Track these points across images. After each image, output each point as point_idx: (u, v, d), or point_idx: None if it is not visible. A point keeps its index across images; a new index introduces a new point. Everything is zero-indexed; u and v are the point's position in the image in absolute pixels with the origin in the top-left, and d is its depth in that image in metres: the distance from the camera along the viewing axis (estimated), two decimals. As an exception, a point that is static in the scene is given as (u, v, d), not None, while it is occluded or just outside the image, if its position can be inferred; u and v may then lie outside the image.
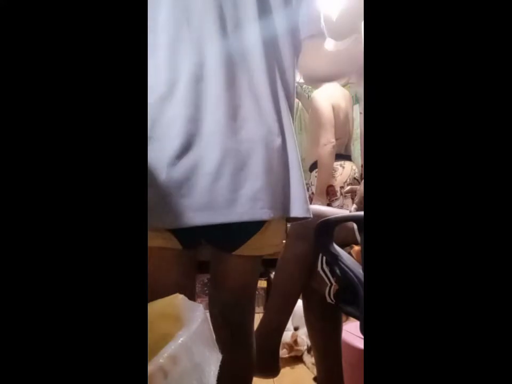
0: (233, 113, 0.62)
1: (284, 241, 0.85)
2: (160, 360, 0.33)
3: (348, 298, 0.89)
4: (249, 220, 0.61)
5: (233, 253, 0.69)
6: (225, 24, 0.64)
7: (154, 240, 0.63)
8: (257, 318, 1.03)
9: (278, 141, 0.64)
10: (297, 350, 1.50)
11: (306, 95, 2.34)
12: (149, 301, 0.41)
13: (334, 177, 1.97)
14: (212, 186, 0.60)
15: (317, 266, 0.96)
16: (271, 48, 0.67)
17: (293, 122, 0.71)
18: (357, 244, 0.93)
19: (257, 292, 2.06)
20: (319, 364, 1.09)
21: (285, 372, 1.43)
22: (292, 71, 0.71)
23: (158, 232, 0.63)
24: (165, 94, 0.61)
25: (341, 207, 1.93)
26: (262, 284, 2.10)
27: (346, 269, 0.79)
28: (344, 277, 0.87)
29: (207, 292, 1.90)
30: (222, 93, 0.62)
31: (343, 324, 1.08)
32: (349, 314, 1.02)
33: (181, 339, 0.37)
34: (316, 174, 1.97)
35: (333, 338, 1.04)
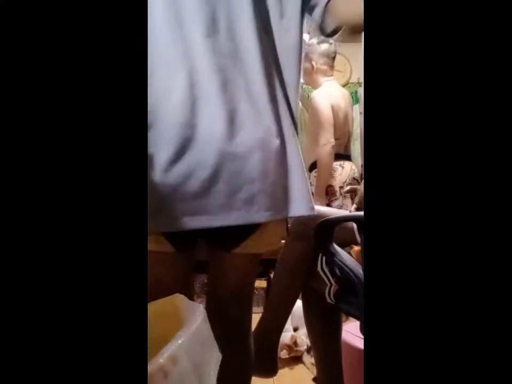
0: (229, 116, 0.61)
1: (283, 240, 0.85)
2: (160, 360, 0.33)
3: (348, 298, 0.89)
4: (244, 224, 0.62)
5: (231, 251, 0.69)
6: (218, 25, 0.63)
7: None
8: (257, 317, 1.03)
9: (276, 142, 0.64)
10: (297, 351, 1.50)
11: (306, 95, 2.34)
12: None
13: (333, 177, 1.97)
14: (207, 190, 0.60)
15: (316, 266, 0.96)
16: (267, 48, 0.66)
17: (296, 122, 0.71)
18: (356, 244, 0.93)
19: (257, 292, 2.07)
20: (319, 364, 1.09)
21: (285, 372, 1.43)
22: (293, 70, 0.69)
23: (150, 236, 0.63)
24: (159, 99, 0.60)
25: (341, 207, 1.93)
26: (262, 283, 2.09)
27: (346, 269, 0.79)
28: (344, 277, 0.87)
29: (207, 292, 1.88)
30: (217, 96, 0.61)
31: (343, 323, 1.08)
32: (349, 314, 1.02)
33: (181, 339, 0.37)
34: (315, 174, 1.98)
35: (333, 338, 1.04)
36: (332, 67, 2.10)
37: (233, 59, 0.63)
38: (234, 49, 0.64)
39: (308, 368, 1.45)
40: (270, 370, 1.04)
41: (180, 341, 0.36)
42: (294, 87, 0.70)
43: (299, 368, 1.47)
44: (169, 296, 0.50)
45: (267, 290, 2.09)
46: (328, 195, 1.96)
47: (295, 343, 1.49)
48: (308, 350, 1.50)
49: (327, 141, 1.88)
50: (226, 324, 0.74)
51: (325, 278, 0.94)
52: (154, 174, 0.59)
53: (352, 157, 2.19)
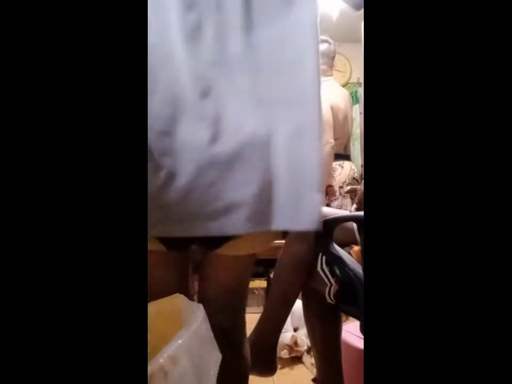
0: (210, 125, 0.59)
1: (277, 240, 0.83)
2: (160, 360, 0.33)
3: (348, 298, 0.89)
4: (218, 235, 0.61)
5: (216, 251, 0.68)
6: (205, 32, 0.60)
7: None
8: (257, 317, 1.03)
9: (262, 151, 0.61)
10: (297, 351, 1.50)
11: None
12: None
13: (333, 177, 1.97)
14: (183, 200, 0.59)
15: (316, 266, 0.96)
16: (258, 53, 0.62)
17: (309, 127, 0.63)
18: (356, 244, 0.93)
19: (257, 292, 2.07)
20: (319, 364, 1.09)
21: (284, 372, 1.43)
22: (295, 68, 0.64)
23: None
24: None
25: (340, 207, 1.94)
26: (262, 283, 2.10)
27: (346, 269, 0.79)
28: (344, 277, 0.87)
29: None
30: (197, 105, 0.59)
31: (343, 323, 1.08)
32: (349, 314, 1.02)
33: (181, 339, 0.37)
34: (315, 174, 1.97)
35: (333, 338, 1.04)
36: (331, 67, 2.11)
37: (218, 66, 0.61)
38: (221, 56, 0.61)
39: (307, 368, 1.45)
40: (269, 370, 1.04)
41: (179, 341, 0.36)
42: (294, 86, 0.64)
43: (299, 368, 1.47)
44: (169, 296, 0.50)
45: (267, 290, 2.09)
46: (328, 195, 1.96)
47: (296, 343, 1.49)
48: (308, 351, 1.50)
49: (326, 141, 1.89)
50: (216, 329, 0.72)
51: (325, 278, 0.94)
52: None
53: (352, 157, 2.19)
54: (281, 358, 1.46)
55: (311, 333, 1.08)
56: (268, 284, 2.09)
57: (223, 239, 0.67)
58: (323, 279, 0.94)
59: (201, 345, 0.41)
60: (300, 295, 1.06)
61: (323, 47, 2.02)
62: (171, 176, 0.59)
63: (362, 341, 0.80)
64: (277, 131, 0.63)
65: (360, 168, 2.20)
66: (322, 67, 2.02)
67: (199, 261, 0.76)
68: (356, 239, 0.93)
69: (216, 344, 0.44)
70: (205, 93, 0.60)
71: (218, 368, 0.42)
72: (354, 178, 2.00)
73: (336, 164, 1.98)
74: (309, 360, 1.47)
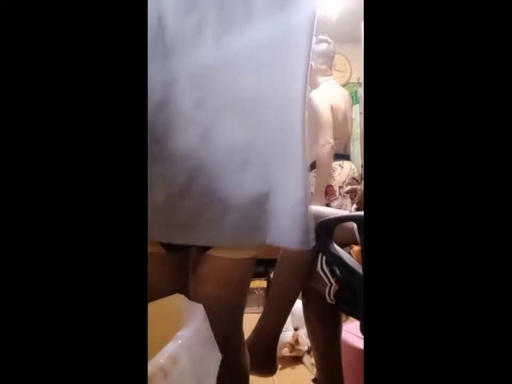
0: (203, 133, 0.59)
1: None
2: (160, 360, 0.33)
3: (348, 298, 0.89)
4: (204, 245, 0.61)
5: (207, 252, 0.68)
6: (204, 36, 0.59)
7: None
8: (257, 317, 1.03)
9: (256, 162, 0.59)
10: (298, 350, 1.50)
11: (306, 95, 2.33)
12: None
13: (332, 177, 1.97)
14: (174, 207, 0.59)
15: (316, 266, 0.96)
16: (259, 55, 0.61)
17: (299, 133, 0.61)
18: (356, 244, 0.93)
19: (257, 292, 2.07)
20: (319, 364, 1.09)
21: (284, 372, 1.43)
22: (293, 68, 0.61)
23: None
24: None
25: (340, 207, 1.94)
26: (262, 283, 2.10)
27: (346, 269, 0.79)
28: (344, 277, 0.87)
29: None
30: (191, 113, 0.59)
31: (343, 323, 1.08)
32: (349, 314, 1.02)
33: (181, 339, 0.37)
34: (315, 174, 1.98)
35: (333, 338, 1.04)
36: (330, 67, 2.10)
37: (217, 71, 0.60)
38: (221, 59, 0.60)
39: (307, 368, 1.46)
40: (269, 370, 1.04)
41: (179, 341, 0.36)
42: (290, 89, 0.61)
43: (299, 368, 1.47)
44: (169, 296, 0.50)
45: (267, 290, 2.09)
46: (328, 195, 1.96)
47: (297, 342, 1.49)
48: (308, 351, 1.50)
49: (326, 141, 1.88)
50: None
51: (325, 278, 0.94)
52: None
53: (352, 156, 2.19)
54: (281, 357, 1.46)
55: (311, 333, 1.09)
56: (268, 284, 2.09)
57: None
58: (323, 279, 0.94)
59: (201, 345, 0.41)
60: (300, 295, 1.06)
61: (322, 47, 2.02)
62: (164, 183, 0.59)
63: (362, 341, 0.80)
64: (267, 141, 0.61)
65: (360, 168, 2.19)
66: (322, 67, 2.02)
67: (197, 261, 0.75)
68: (356, 239, 0.93)
69: (216, 344, 0.44)
70: (200, 100, 0.59)
71: (218, 368, 0.42)
72: (354, 178, 2.00)
73: (336, 164, 1.98)
74: (309, 360, 1.47)
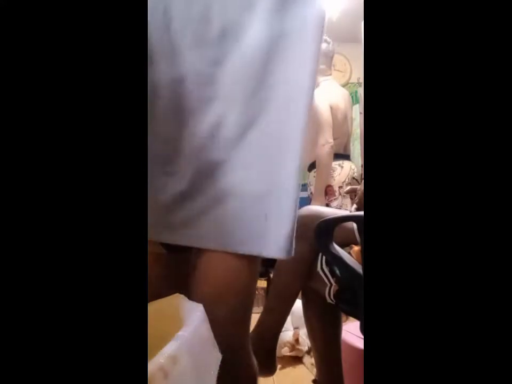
0: (212, 130, 0.57)
1: None
2: (160, 360, 0.33)
3: (348, 298, 0.89)
4: (194, 246, 0.61)
5: (208, 250, 0.64)
6: (212, 31, 0.58)
7: None
8: (257, 317, 1.03)
9: (232, 163, 0.58)
10: (298, 350, 1.50)
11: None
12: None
13: (332, 177, 1.97)
14: (175, 206, 0.59)
15: (316, 266, 0.96)
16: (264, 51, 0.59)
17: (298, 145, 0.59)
18: (356, 244, 0.93)
19: (257, 292, 2.07)
20: (319, 363, 1.09)
21: (284, 372, 1.43)
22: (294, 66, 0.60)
23: None
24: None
25: (340, 207, 1.94)
26: (262, 283, 2.10)
27: (346, 269, 0.79)
28: (344, 277, 0.87)
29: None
30: (201, 110, 0.57)
31: (343, 323, 1.08)
32: (349, 314, 1.02)
33: (181, 339, 0.37)
34: (315, 174, 1.98)
35: (333, 338, 1.04)
36: (330, 66, 2.11)
37: (223, 66, 0.58)
38: (228, 53, 0.58)
39: (307, 368, 1.46)
40: (269, 370, 1.04)
41: (179, 341, 0.36)
42: (284, 89, 0.59)
43: (299, 368, 1.47)
44: (169, 296, 0.50)
45: (267, 290, 2.09)
46: (328, 195, 1.96)
47: (297, 341, 1.49)
48: (308, 351, 1.50)
49: (326, 141, 1.89)
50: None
51: (325, 278, 0.94)
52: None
53: (352, 156, 2.19)
54: (281, 357, 1.46)
55: (311, 333, 1.09)
56: (268, 284, 2.09)
57: None
58: (323, 279, 0.94)
59: (201, 345, 0.41)
60: (300, 295, 1.06)
61: (322, 46, 2.02)
62: (174, 181, 0.58)
63: (362, 341, 0.80)
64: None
65: (360, 168, 2.19)
66: (321, 67, 2.02)
67: (197, 259, 0.73)
68: (356, 239, 0.93)
69: (216, 344, 0.44)
70: (208, 96, 0.58)
71: (218, 368, 0.42)
72: (354, 178, 2.00)
73: (335, 164, 1.98)
74: (309, 360, 1.47)
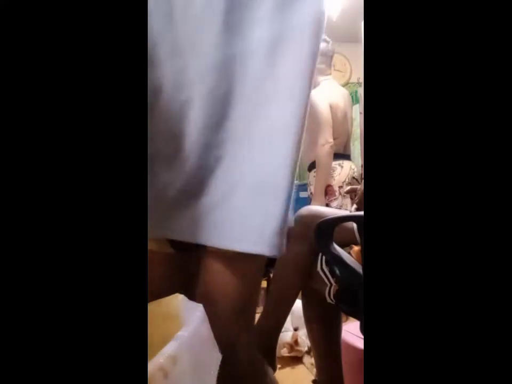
0: (215, 126, 0.58)
1: None
2: (160, 360, 0.33)
3: (348, 298, 0.89)
4: (189, 241, 0.60)
5: (210, 248, 0.63)
6: (230, 29, 0.58)
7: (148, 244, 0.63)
8: (257, 317, 1.03)
9: (223, 159, 0.59)
10: (298, 351, 1.50)
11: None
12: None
13: (332, 176, 1.97)
14: (176, 204, 0.59)
15: (316, 266, 0.96)
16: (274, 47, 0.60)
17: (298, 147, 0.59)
18: (356, 244, 0.93)
19: (256, 292, 2.06)
20: (318, 364, 1.09)
21: (284, 372, 1.43)
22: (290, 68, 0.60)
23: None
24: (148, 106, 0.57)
25: (340, 207, 1.93)
26: (262, 283, 2.10)
27: (346, 269, 0.79)
28: (344, 277, 0.87)
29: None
30: (205, 103, 0.58)
31: (343, 323, 1.08)
32: (349, 314, 1.02)
33: (181, 339, 0.37)
34: (315, 174, 1.98)
35: (333, 338, 1.04)
36: (329, 66, 2.10)
37: (222, 66, 0.58)
38: (227, 54, 0.59)
39: (307, 368, 1.46)
40: None
41: (179, 341, 0.36)
42: (272, 90, 0.60)
43: (299, 368, 1.47)
44: (169, 296, 0.50)
45: (267, 290, 2.09)
46: (328, 195, 1.96)
47: (296, 342, 1.49)
48: (308, 351, 1.50)
49: (326, 141, 1.88)
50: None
51: (325, 278, 0.94)
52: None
53: (352, 156, 2.19)
54: (281, 357, 1.46)
55: (311, 333, 1.09)
56: (268, 284, 2.09)
57: None
58: (323, 279, 0.94)
59: (201, 345, 0.41)
60: (300, 295, 1.06)
61: (321, 46, 2.01)
62: (174, 179, 0.59)
63: (362, 341, 0.80)
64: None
65: (360, 168, 2.19)
66: (321, 66, 2.02)
67: (201, 258, 0.70)
68: (356, 239, 0.93)
69: (216, 344, 0.44)
70: (213, 90, 0.58)
71: (218, 368, 0.42)
72: (354, 178, 2.00)
73: (335, 164, 1.98)
74: (309, 360, 1.47)
